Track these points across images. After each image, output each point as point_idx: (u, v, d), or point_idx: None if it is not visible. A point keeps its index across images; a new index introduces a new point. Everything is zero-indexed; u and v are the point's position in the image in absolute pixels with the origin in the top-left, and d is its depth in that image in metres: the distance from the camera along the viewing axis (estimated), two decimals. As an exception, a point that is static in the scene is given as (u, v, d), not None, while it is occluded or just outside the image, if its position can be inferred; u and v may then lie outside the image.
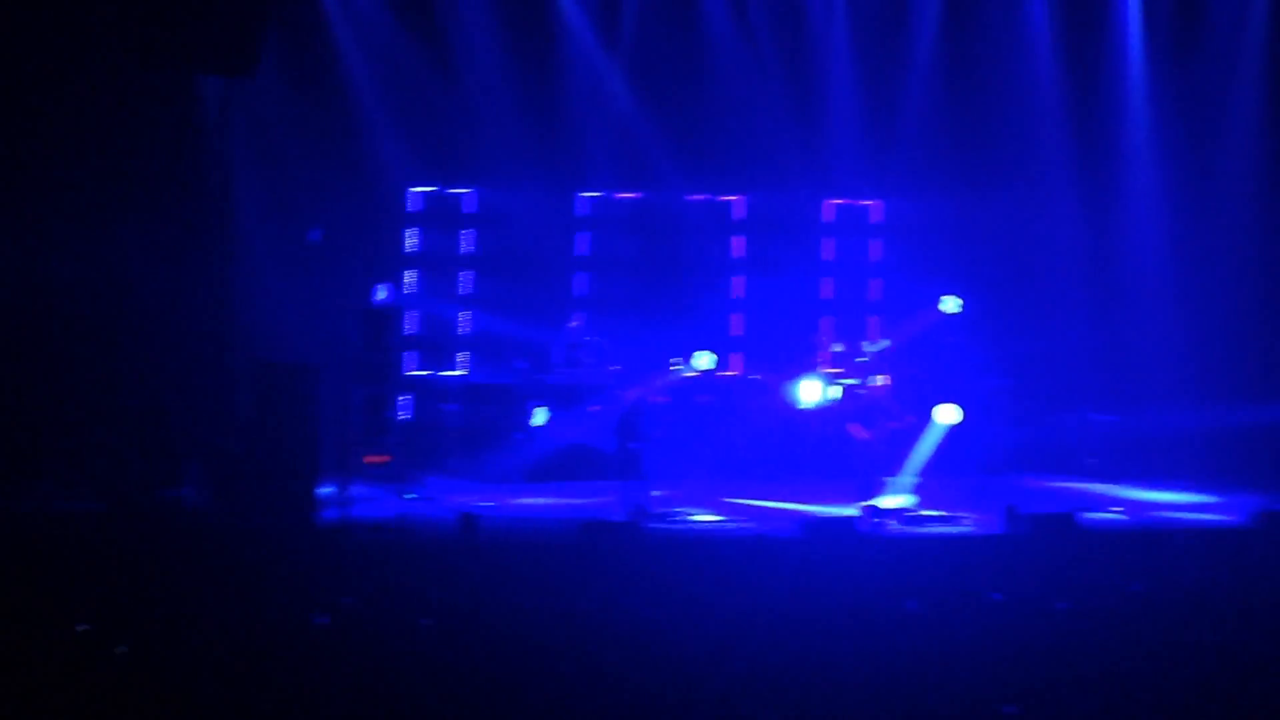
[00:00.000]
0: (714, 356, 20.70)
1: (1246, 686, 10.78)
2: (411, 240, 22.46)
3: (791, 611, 12.68)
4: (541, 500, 18.91)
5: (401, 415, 20.99)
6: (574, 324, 21.42)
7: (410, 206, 22.41)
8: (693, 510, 17.96)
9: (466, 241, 22.63)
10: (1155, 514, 18.63)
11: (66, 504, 17.02)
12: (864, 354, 20.33)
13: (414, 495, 17.82)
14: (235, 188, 19.35)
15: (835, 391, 20.36)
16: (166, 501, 16.84)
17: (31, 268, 19.30)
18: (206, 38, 17.24)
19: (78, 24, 19.31)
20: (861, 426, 19.22)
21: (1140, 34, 22.95)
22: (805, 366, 20.85)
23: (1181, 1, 22.82)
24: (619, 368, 20.73)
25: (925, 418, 19.63)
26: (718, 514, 18.01)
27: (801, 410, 20.54)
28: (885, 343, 20.76)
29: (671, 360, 20.74)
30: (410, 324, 22.24)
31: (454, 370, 22.25)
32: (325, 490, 16.98)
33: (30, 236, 19.24)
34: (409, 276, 22.33)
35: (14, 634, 11.35)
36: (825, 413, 20.37)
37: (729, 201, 23.15)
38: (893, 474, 18.62)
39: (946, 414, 19.44)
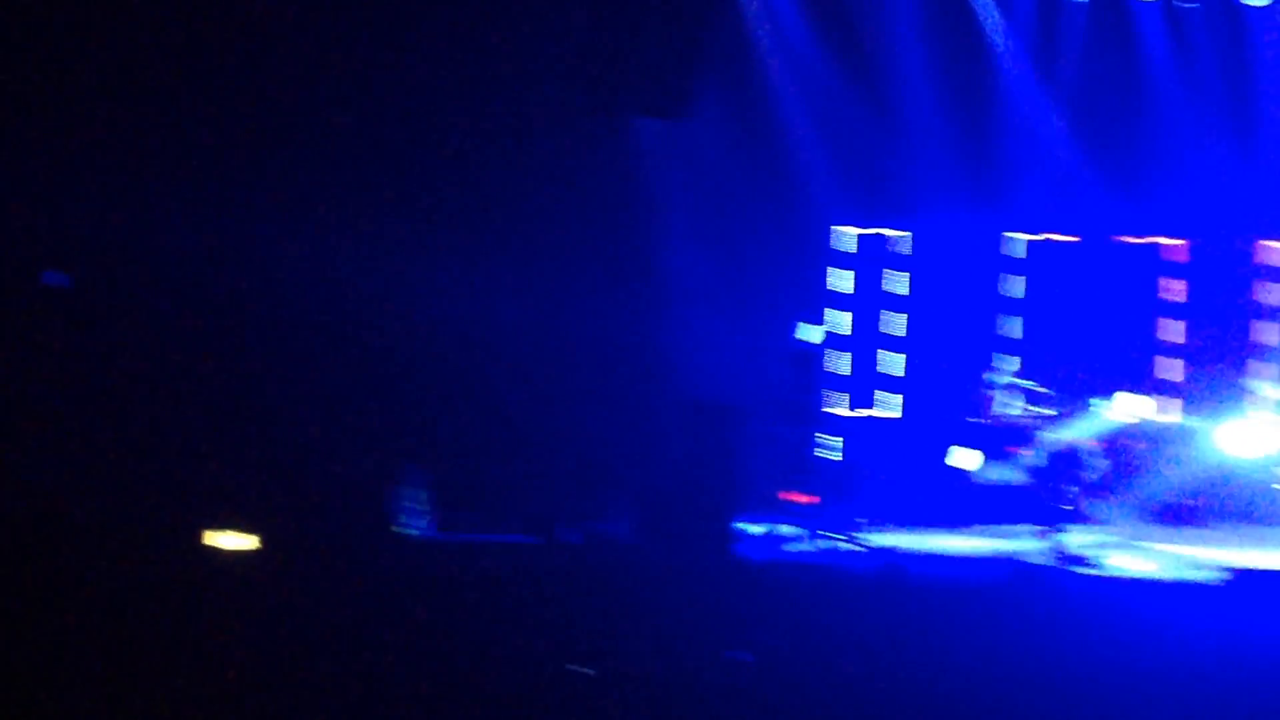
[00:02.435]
0: (1147, 400, 20.35)
1: None
2: (839, 279, 22.54)
3: (1216, 663, 12.37)
4: (962, 542, 18.81)
5: (826, 455, 21.08)
6: (1005, 365, 21.23)
7: (837, 245, 22.48)
8: (1119, 555, 17.69)
9: (894, 280, 22.61)
10: None
11: (501, 535, 17.55)
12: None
13: (837, 535, 17.88)
14: (668, 226, 19.70)
15: (1270, 438, 19.87)
16: (597, 534, 17.24)
17: (478, 307, 19.94)
18: (642, 83, 17.68)
19: (519, 69, 19.91)
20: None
21: None
22: (1240, 412, 20.37)
23: None
24: (1047, 410, 20.48)
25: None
26: (1148, 559, 17.71)
27: (1236, 457, 20.08)
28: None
29: (1097, 403, 20.43)
30: (836, 364, 22.32)
31: (879, 411, 22.26)
32: (750, 528, 17.19)
33: (472, 276, 19.89)
34: (836, 316, 22.41)
35: (450, 658, 11.72)
36: (1260, 459, 19.88)
37: (1164, 243, 22.65)
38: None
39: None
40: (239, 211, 19.61)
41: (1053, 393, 20.78)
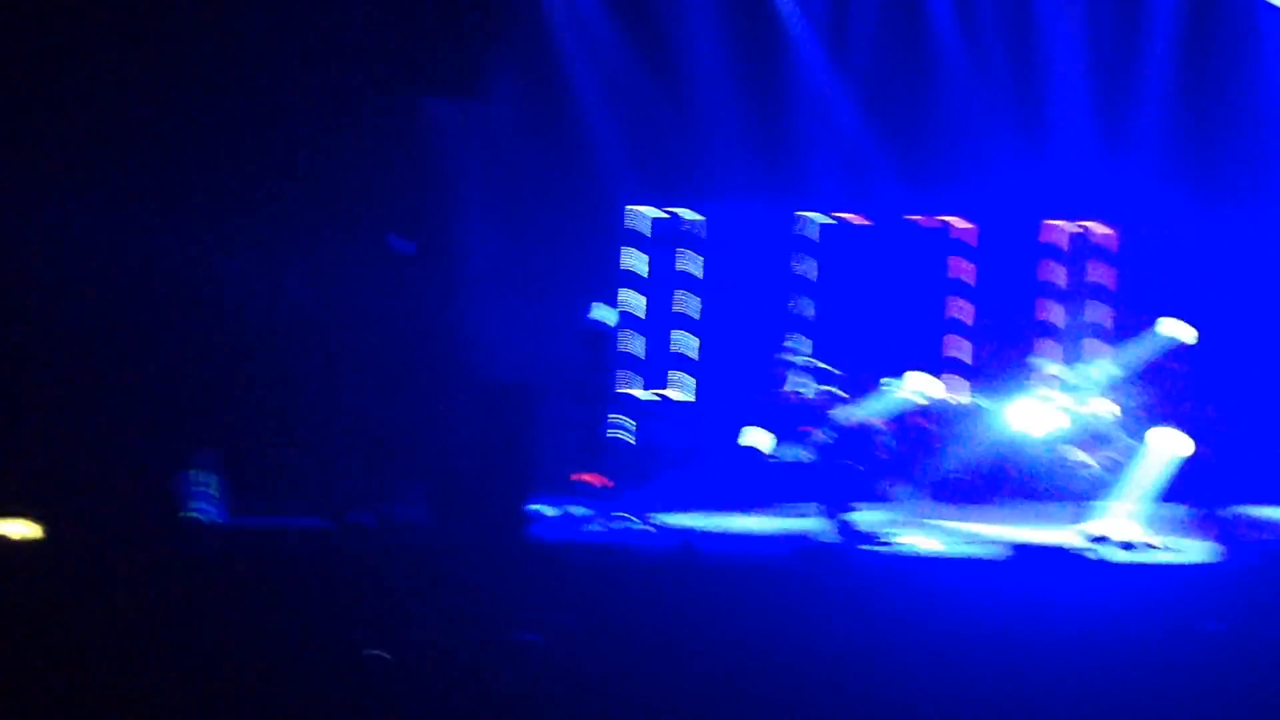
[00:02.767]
0: (935, 379, 20.60)
1: None
2: (631, 259, 22.58)
3: (1000, 636, 12.54)
4: (755, 521, 18.95)
5: (619, 435, 21.12)
6: (794, 344, 21.38)
7: (632, 225, 22.52)
8: (910, 532, 17.91)
9: (688, 261, 22.70)
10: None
11: (289, 518, 17.39)
12: (1086, 379, 20.13)
13: (630, 516, 17.92)
14: (460, 206, 19.60)
15: (1057, 416, 20.20)
16: (388, 517, 17.14)
17: (263, 288, 19.72)
18: (434, 62, 17.57)
19: (309, 49, 19.71)
20: (1082, 451, 19.05)
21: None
22: (1026, 390, 20.69)
23: None
24: (838, 390, 20.67)
25: (1148, 444, 19.37)
26: (935, 537, 17.95)
27: (1022, 434, 20.40)
28: (1110, 368, 20.54)
29: (888, 382, 20.68)
30: (629, 344, 22.37)
31: (671, 391, 22.35)
32: (542, 509, 17.19)
33: (261, 257, 19.67)
34: (628, 296, 22.45)
35: (243, 646, 11.59)
36: (1045, 437, 20.21)
37: (952, 223, 22.97)
38: (1113, 501, 18.40)
39: (1170, 442, 19.18)
40: (22, 191, 19.22)
41: (843, 373, 21.00)
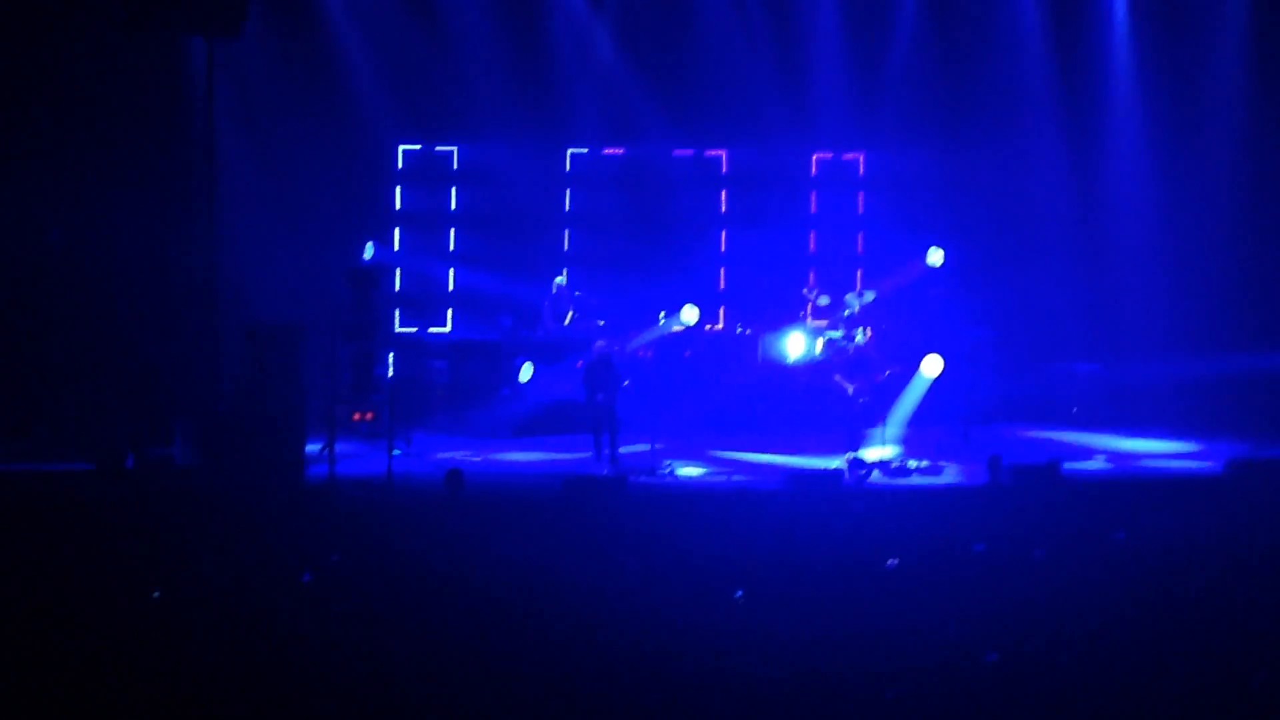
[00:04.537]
0: (699, 310, 20.76)
1: (1222, 632, 10.87)
2: (398, 199, 22.48)
3: (776, 565, 12.75)
4: (527, 455, 19.02)
5: (388, 373, 21.08)
6: (561, 280, 21.45)
7: (397, 165, 22.40)
8: (678, 463, 18.09)
9: (454, 198, 22.65)
10: (1137, 462, 18.78)
11: (56, 464, 17.14)
12: (849, 306, 20.43)
13: (400, 452, 17.94)
14: (221, 149, 19.34)
15: (820, 344, 20.49)
16: (155, 460, 16.96)
17: (18, 231, 19.35)
18: (192, 2, 17.31)
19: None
20: (846, 378, 19.34)
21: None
22: (791, 320, 20.95)
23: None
24: (604, 323, 20.76)
25: (910, 369, 19.75)
26: (703, 467, 18.15)
27: (787, 363, 20.66)
28: (870, 295, 20.87)
29: (658, 314, 20.82)
30: (397, 282, 22.29)
31: (441, 327, 22.32)
32: (313, 447, 17.11)
33: (16, 200, 19.29)
34: (396, 235, 22.35)
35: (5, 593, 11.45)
36: (810, 365, 20.49)
37: (715, 156, 23.17)
38: (878, 425, 18.73)
39: (931, 365, 19.56)
40: None
41: (607, 304, 21.10)
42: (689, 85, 22.51)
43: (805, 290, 21.42)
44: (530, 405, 20.38)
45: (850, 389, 19.17)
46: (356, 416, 18.82)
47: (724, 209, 23.20)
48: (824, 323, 20.66)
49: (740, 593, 11.73)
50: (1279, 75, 22.48)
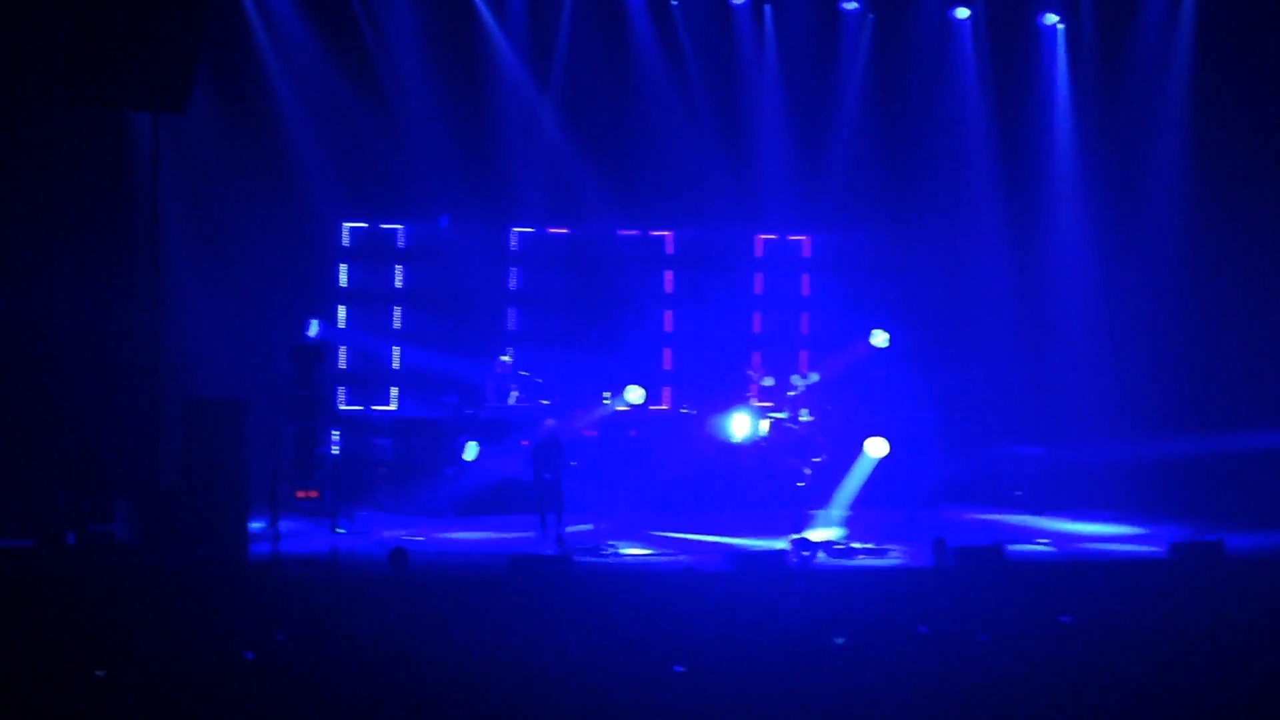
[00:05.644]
0: (644, 390, 20.76)
1: (1169, 714, 10.90)
2: (343, 276, 22.41)
3: (721, 644, 12.72)
4: (471, 534, 18.95)
5: (332, 450, 20.97)
6: (505, 358, 21.42)
7: (342, 242, 22.35)
8: (622, 543, 18.04)
9: (399, 276, 22.60)
10: (1081, 545, 18.83)
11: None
12: (794, 388, 20.48)
13: (344, 530, 17.83)
14: (165, 223, 19.28)
15: (765, 425, 20.51)
16: (96, 537, 16.82)
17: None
18: (136, 75, 17.26)
19: (4, 60, 19.28)
20: (791, 458, 19.37)
21: (1066, 70, 23.22)
22: (735, 400, 20.96)
23: (1107, 40, 23.08)
24: (549, 402, 20.73)
25: (854, 451, 19.77)
26: (647, 547, 18.10)
27: (731, 444, 20.66)
28: (815, 376, 20.92)
29: (602, 394, 20.80)
30: (342, 359, 22.22)
31: (385, 405, 22.24)
32: (256, 525, 17.01)
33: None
34: (340, 312, 22.28)
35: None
36: (755, 446, 20.50)
37: (660, 237, 23.24)
38: (822, 507, 18.73)
39: (875, 447, 19.60)
40: None
41: (543, 383, 21.09)
42: (634, 166, 22.60)
43: (750, 371, 21.48)
44: (475, 484, 20.32)
45: (796, 469, 19.20)
46: (300, 494, 18.72)
47: (669, 289, 23.24)
48: (768, 403, 20.69)
49: (680, 668, 11.70)
50: (1220, 156, 22.64)
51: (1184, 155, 22.93)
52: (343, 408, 22.01)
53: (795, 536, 17.70)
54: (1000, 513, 20.94)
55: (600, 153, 22.48)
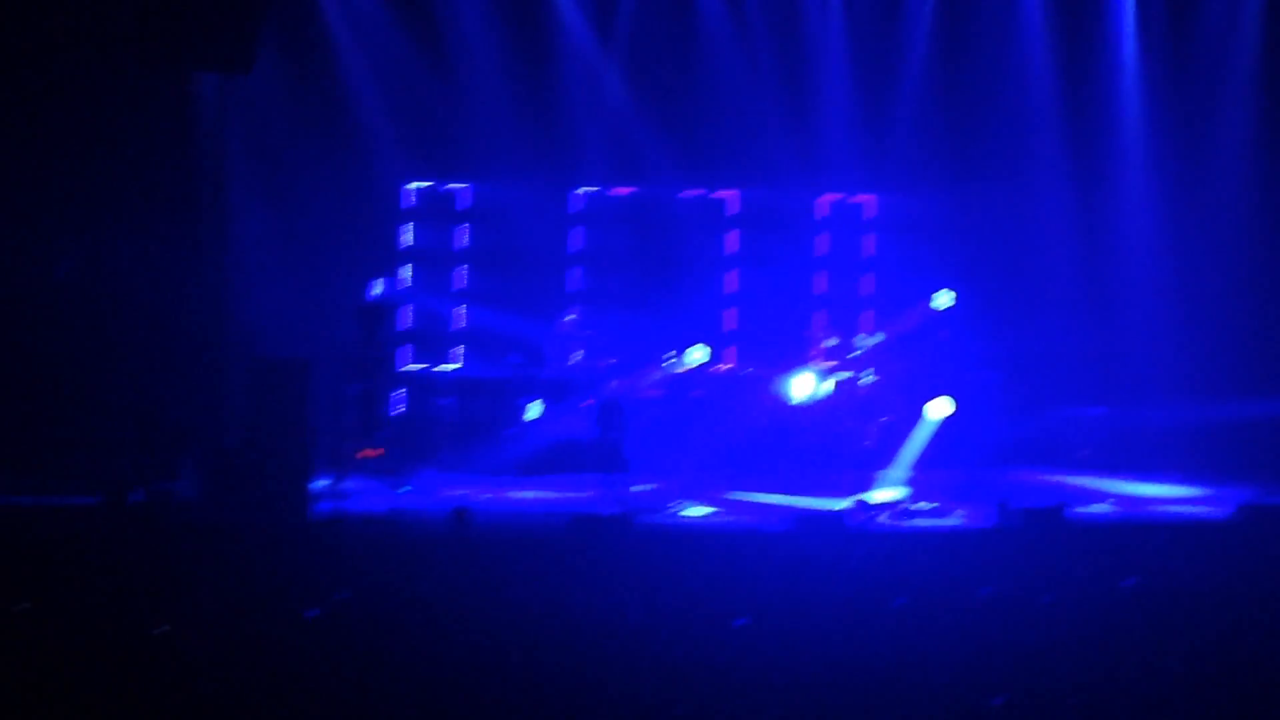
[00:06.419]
0: (708, 350, 20.75)
1: (1232, 681, 10.83)
2: (406, 236, 22.49)
3: (781, 606, 12.71)
4: (534, 494, 18.99)
5: (396, 410, 21.05)
6: (569, 319, 21.45)
7: (405, 202, 22.41)
8: (684, 504, 18.05)
9: (461, 237, 22.65)
10: (1145, 508, 18.73)
11: (59, 497, 17.10)
12: (857, 348, 20.43)
13: (408, 489, 17.88)
14: (231, 184, 19.39)
15: (828, 385, 20.46)
16: (160, 495, 16.93)
17: (28, 264, 19.37)
18: (203, 36, 17.34)
19: (74, 23, 19.37)
20: (855, 419, 19.33)
21: (1134, 28, 23.02)
22: (798, 361, 20.93)
23: (1176, -1, 22.94)
24: (613, 362, 20.75)
25: (918, 412, 19.72)
26: (709, 508, 18.10)
27: (794, 404, 20.63)
28: (879, 337, 20.86)
29: (665, 355, 20.79)
30: (405, 319, 22.29)
31: (448, 365, 22.31)
32: (319, 484, 17.09)
33: (26, 233, 19.31)
34: (404, 272, 22.35)
35: (8, 629, 11.42)
36: (818, 407, 20.46)
37: (723, 198, 23.20)
38: (885, 468, 18.69)
39: (939, 408, 19.54)
40: None
41: (614, 344, 21.09)
42: (697, 126, 22.54)
43: (812, 331, 21.44)
44: (537, 443, 20.36)
45: (860, 430, 19.17)
46: (363, 453, 18.81)
47: (732, 249, 23.21)
48: (831, 364, 20.64)
49: (740, 621, 11.72)
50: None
51: (1256, 112, 22.74)
52: (406, 367, 22.08)
53: (857, 497, 17.69)
54: (1064, 474, 20.83)
55: (663, 112, 22.42)
